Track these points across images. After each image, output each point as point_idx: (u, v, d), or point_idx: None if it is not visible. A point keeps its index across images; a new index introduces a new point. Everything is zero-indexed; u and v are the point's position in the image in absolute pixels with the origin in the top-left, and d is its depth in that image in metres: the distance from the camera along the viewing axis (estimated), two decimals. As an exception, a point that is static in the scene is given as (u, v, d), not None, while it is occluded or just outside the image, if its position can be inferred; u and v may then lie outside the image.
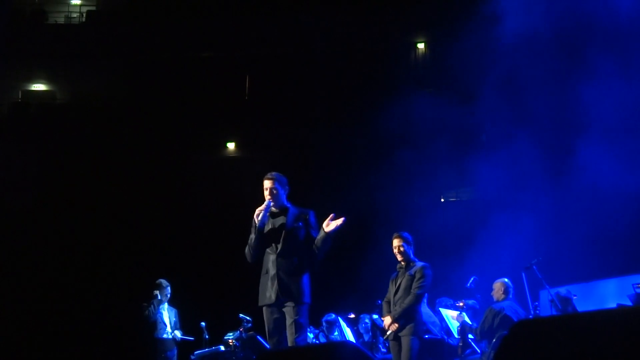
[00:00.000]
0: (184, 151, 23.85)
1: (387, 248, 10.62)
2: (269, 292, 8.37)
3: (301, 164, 20.84)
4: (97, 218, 22.50)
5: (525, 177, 15.60)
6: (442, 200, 22.85)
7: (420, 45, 25.51)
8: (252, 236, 8.53)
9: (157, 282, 13.98)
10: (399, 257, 10.20)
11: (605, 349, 3.58)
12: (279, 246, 8.41)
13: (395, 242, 10.24)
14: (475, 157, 16.53)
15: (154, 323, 13.43)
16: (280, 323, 8.37)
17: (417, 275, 10.03)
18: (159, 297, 13.69)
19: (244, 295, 10.50)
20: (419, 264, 10.18)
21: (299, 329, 8.23)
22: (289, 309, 8.28)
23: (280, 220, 8.53)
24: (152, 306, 13.52)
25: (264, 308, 8.49)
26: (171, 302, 14.06)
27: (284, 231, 8.45)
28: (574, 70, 14.96)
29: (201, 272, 21.01)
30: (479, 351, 11.77)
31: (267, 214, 8.50)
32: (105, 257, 22.11)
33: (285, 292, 8.29)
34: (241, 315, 13.35)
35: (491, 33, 15.44)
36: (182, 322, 14.13)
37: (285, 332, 8.35)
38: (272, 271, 8.37)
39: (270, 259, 8.45)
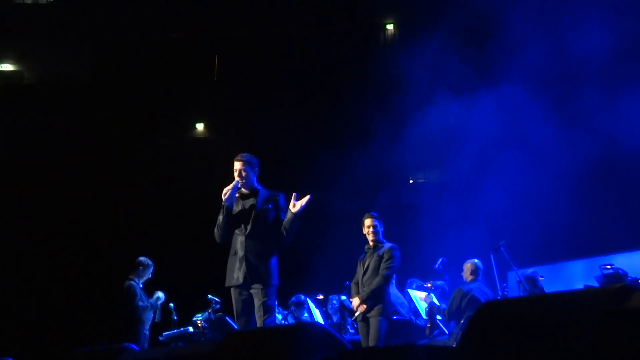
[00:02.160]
0: (153, 132, 23.73)
1: (355, 229, 10.65)
2: (236, 273, 8.38)
3: (270, 146, 20.76)
4: (64, 200, 22.34)
5: (493, 159, 15.63)
6: (411, 181, 22.87)
7: (390, 27, 25.48)
8: (220, 217, 8.52)
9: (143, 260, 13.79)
10: (370, 237, 10.22)
11: (572, 330, 3.59)
12: (248, 228, 8.41)
13: (368, 222, 10.27)
14: (444, 139, 16.56)
15: (135, 295, 13.29)
16: (248, 304, 8.37)
17: (386, 256, 10.08)
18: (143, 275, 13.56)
19: (213, 276, 10.48)
20: (387, 245, 10.22)
21: (267, 310, 8.24)
22: (256, 291, 8.29)
23: (250, 202, 8.52)
24: (133, 281, 13.38)
25: (232, 289, 8.50)
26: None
27: (253, 213, 8.45)
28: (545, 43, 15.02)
29: (169, 253, 20.91)
30: (447, 332, 11.82)
31: (236, 194, 8.48)
32: (72, 239, 21.98)
33: (253, 274, 8.29)
34: (210, 296, 13.33)
35: (461, 15, 15.46)
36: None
37: (254, 313, 8.36)
38: (240, 253, 8.38)
39: (239, 241, 8.45)
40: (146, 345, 13.17)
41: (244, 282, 8.32)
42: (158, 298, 13.33)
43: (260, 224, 8.43)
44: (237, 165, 8.55)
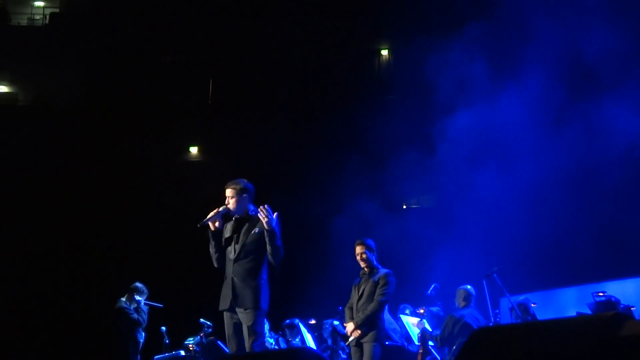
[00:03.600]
0: (147, 155, 23.72)
1: (349, 254, 10.64)
2: (227, 297, 8.39)
3: (263, 169, 20.79)
4: (58, 222, 22.31)
5: (486, 186, 15.66)
6: (405, 207, 22.90)
7: (384, 52, 25.58)
8: (210, 242, 8.57)
9: (139, 286, 13.82)
10: (362, 264, 10.20)
11: (564, 358, 3.59)
12: (237, 253, 8.42)
13: (358, 249, 10.24)
14: (437, 164, 16.59)
15: (128, 313, 13.29)
16: (239, 328, 8.37)
17: (381, 282, 10.05)
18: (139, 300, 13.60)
19: (205, 300, 10.46)
20: (383, 270, 10.19)
21: (253, 334, 8.22)
22: (243, 315, 8.29)
23: (242, 227, 8.52)
24: (125, 304, 13.40)
25: (224, 313, 8.50)
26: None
27: (242, 238, 8.45)
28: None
29: (162, 276, 20.88)
30: (439, 358, 11.81)
31: (217, 218, 8.47)
32: (66, 260, 21.93)
33: (239, 298, 8.29)
34: (202, 320, 13.32)
35: (454, 39, 15.54)
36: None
37: (239, 340, 8.37)
38: (229, 277, 8.40)
39: (229, 266, 8.48)
40: None
41: (231, 306, 8.33)
42: (141, 311, 13.40)
43: (248, 247, 8.41)
44: (227, 192, 8.58)
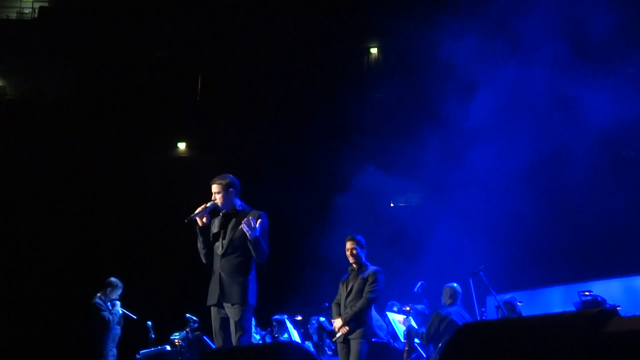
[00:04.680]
0: (134, 150, 23.69)
1: (338, 251, 10.66)
2: (214, 292, 8.41)
3: (251, 166, 20.79)
4: (45, 216, 22.26)
5: (473, 184, 15.70)
6: (392, 205, 22.90)
7: (373, 50, 25.56)
8: (197, 237, 8.59)
9: (113, 281, 13.80)
10: (351, 260, 10.21)
11: (549, 353, 3.60)
12: (224, 249, 8.44)
13: (348, 245, 10.24)
14: (425, 162, 16.61)
15: (101, 310, 13.27)
16: (225, 323, 8.40)
17: (370, 280, 10.05)
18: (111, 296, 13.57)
19: (191, 295, 10.48)
20: (372, 267, 10.19)
21: (240, 330, 8.24)
22: (230, 310, 8.31)
23: (229, 222, 8.55)
24: (100, 299, 13.38)
25: (212, 308, 8.53)
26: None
27: (229, 234, 8.47)
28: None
29: (148, 271, 20.89)
30: (424, 355, 11.83)
31: (205, 214, 8.50)
32: (52, 255, 21.88)
33: (226, 293, 8.32)
34: (187, 315, 13.31)
35: (444, 38, 15.55)
36: (129, 322, 14.00)
37: (226, 335, 8.40)
38: (217, 272, 8.43)
39: (216, 261, 8.51)
40: None
41: (219, 301, 8.35)
42: (115, 306, 13.36)
43: (235, 243, 8.44)
44: (213, 188, 8.62)
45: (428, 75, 16.35)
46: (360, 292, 10.05)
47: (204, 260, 8.67)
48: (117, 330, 13.37)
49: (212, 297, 8.45)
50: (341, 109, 22.30)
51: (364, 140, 18.24)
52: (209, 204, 8.53)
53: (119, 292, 13.57)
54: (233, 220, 8.55)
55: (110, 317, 13.18)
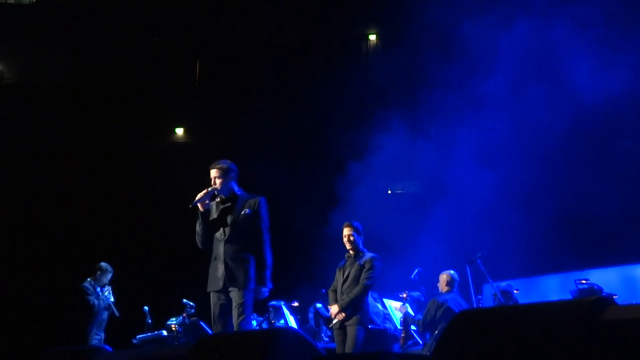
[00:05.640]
0: (132, 135, 23.66)
1: (335, 238, 10.66)
2: (216, 278, 8.43)
3: (249, 152, 20.76)
4: (42, 201, 22.25)
5: (471, 172, 15.69)
6: (389, 192, 22.89)
7: (372, 37, 25.51)
8: (197, 221, 8.60)
9: (102, 265, 13.85)
10: (348, 246, 10.23)
11: (546, 341, 3.61)
12: (227, 233, 8.47)
13: (346, 231, 10.26)
14: (423, 150, 16.60)
15: (87, 294, 13.29)
16: (225, 309, 8.44)
17: (367, 266, 10.07)
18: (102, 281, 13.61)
19: (188, 280, 10.48)
20: (369, 254, 10.21)
21: (242, 314, 8.27)
22: (234, 294, 8.34)
23: (229, 207, 8.59)
24: (89, 283, 13.41)
25: (212, 293, 8.55)
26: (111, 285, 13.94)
27: (231, 218, 8.50)
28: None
29: (145, 257, 20.91)
30: (421, 342, 11.84)
31: (207, 200, 8.56)
32: (50, 240, 21.88)
33: (231, 278, 8.34)
34: (184, 300, 13.32)
35: (443, 24, 15.55)
36: (126, 307, 14.03)
37: (230, 319, 8.43)
38: (220, 258, 8.44)
39: (219, 246, 8.52)
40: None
41: (224, 287, 8.39)
42: (108, 292, 13.38)
43: (239, 228, 8.49)
44: (212, 172, 8.65)
45: (426, 62, 16.31)
46: (356, 278, 10.07)
47: (200, 245, 8.71)
48: (104, 315, 13.40)
49: (214, 283, 8.48)
50: (339, 95, 22.27)
51: (363, 126, 18.20)
52: (210, 189, 8.57)
53: (109, 276, 13.63)
54: (233, 206, 8.58)
55: (97, 301, 13.21)
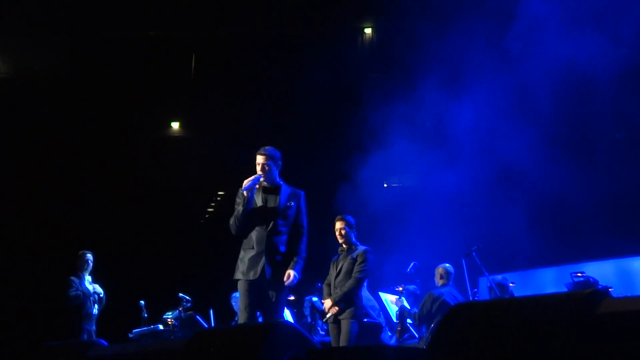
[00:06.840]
0: (128, 129, 23.62)
1: (330, 231, 10.65)
2: (254, 268, 8.31)
3: (245, 146, 20.73)
4: (38, 195, 22.22)
5: (467, 165, 15.69)
6: (385, 185, 22.88)
7: (367, 30, 25.48)
8: (240, 208, 8.45)
9: (79, 253, 13.73)
10: (340, 240, 10.24)
11: (542, 333, 3.61)
12: (270, 224, 8.39)
13: (338, 225, 10.28)
14: (420, 143, 16.59)
15: (68, 287, 13.20)
16: (257, 299, 8.35)
17: (359, 259, 10.09)
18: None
19: (184, 274, 10.47)
20: (361, 247, 10.23)
21: (280, 308, 8.37)
22: (276, 287, 8.32)
23: (273, 197, 8.50)
24: (75, 276, 13.34)
25: (243, 282, 8.40)
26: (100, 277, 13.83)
27: (276, 209, 8.44)
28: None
29: (141, 251, 20.87)
30: (417, 336, 11.86)
31: (255, 186, 8.42)
32: (44, 234, 21.86)
33: (274, 271, 8.31)
34: (180, 294, 13.31)
35: (439, 19, 15.52)
36: (122, 300, 14.02)
37: (260, 308, 8.43)
38: (261, 248, 8.34)
39: (260, 236, 8.40)
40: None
41: (261, 277, 8.28)
42: (94, 289, 13.29)
43: (283, 221, 8.45)
44: (260, 159, 8.57)
45: (422, 56, 16.29)
46: (349, 272, 10.09)
47: (234, 232, 8.54)
48: (91, 309, 13.28)
49: (252, 271, 8.32)
50: (335, 89, 22.24)
51: (358, 118, 18.18)
52: (255, 176, 8.45)
53: (89, 263, 13.44)
54: (276, 196, 8.52)
55: (79, 293, 13.09)
